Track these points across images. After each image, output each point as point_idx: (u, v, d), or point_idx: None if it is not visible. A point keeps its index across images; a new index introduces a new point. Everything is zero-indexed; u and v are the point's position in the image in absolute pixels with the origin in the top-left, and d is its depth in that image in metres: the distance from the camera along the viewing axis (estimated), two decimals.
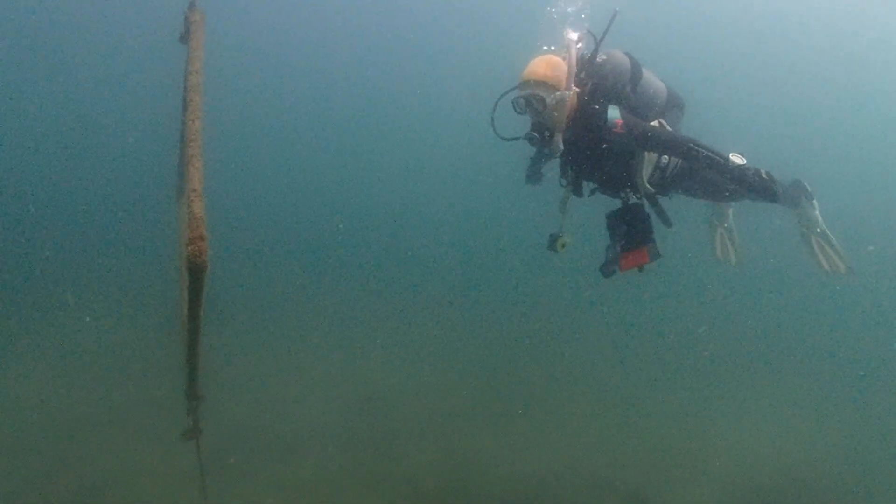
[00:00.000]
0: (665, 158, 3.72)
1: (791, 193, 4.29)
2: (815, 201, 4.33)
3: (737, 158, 3.29)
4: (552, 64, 3.44)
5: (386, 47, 24.75)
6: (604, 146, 3.48)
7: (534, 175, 4.32)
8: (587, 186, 3.96)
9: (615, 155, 3.58)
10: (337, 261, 15.81)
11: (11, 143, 21.46)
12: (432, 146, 24.35)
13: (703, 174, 3.78)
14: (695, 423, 8.15)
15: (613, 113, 3.37)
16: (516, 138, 3.62)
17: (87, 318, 8.98)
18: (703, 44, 22.09)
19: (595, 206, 4.05)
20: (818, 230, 4.34)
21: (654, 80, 3.77)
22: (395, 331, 10.32)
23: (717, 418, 8.39)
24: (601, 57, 3.55)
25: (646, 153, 3.65)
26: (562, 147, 3.49)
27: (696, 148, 3.31)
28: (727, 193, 3.92)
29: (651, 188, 3.72)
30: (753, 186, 3.27)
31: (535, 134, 3.48)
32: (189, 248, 1.73)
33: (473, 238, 19.42)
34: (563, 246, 3.95)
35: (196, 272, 1.77)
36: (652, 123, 3.60)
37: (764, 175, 3.28)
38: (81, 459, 5.88)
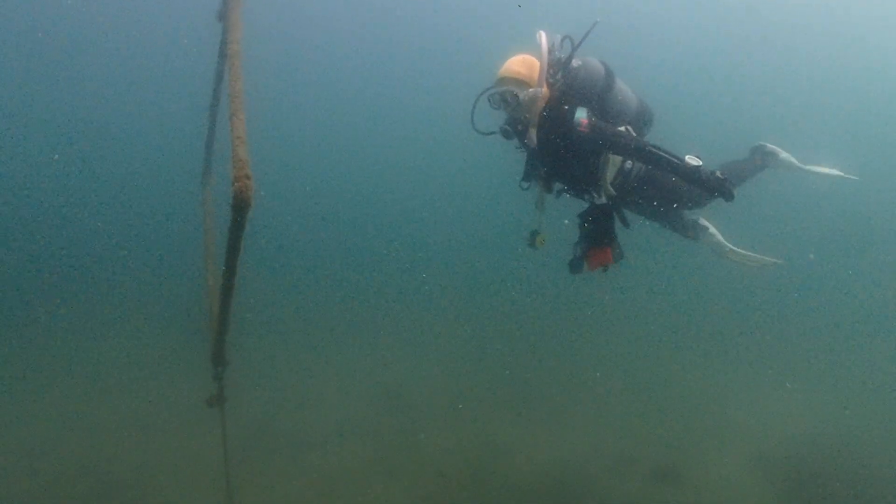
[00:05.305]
0: (629, 164, 3.93)
1: (757, 162, 4.55)
2: (781, 154, 4.55)
3: (692, 160, 3.49)
4: (526, 62, 3.70)
5: (376, 49, 25.15)
6: (569, 145, 3.68)
7: (529, 179, 4.50)
8: (556, 186, 4.16)
9: (580, 155, 3.77)
10: (353, 261, 16.14)
11: (58, 161, 21.52)
12: (443, 151, 24.68)
13: (664, 181, 4.00)
14: (718, 398, 8.33)
15: (580, 113, 3.58)
16: (492, 133, 3.85)
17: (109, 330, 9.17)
18: (685, 54, 22.86)
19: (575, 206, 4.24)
20: (799, 167, 4.60)
21: (626, 91, 3.98)
22: (412, 326, 10.53)
23: (740, 393, 8.60)
24: (577, 62, 3.79)
25: (610, 156, 3.85)
26: (535, 141, 3.69)
27: (653, 150, 3.51)
28: (686, 201, 4.12)
29: (613, 191, 3.92)
30: (708, 186, 3.45)
31: (507, 128, 3.74)
32: (236, 184, 1.90)
33: (485, 234, 19.76)
34: (542, 242, 4.17)
35: (241, 209, 1.94)
36: (619, 129, 3.79)
37: (719, 174, 3.46)
38: (103, 461, 5.97)
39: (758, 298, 13.08)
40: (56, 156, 21.58)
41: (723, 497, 6.10)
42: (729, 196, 3.47)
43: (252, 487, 5.60)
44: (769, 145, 4.59)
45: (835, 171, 4.62)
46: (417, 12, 23.73)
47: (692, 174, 3.43)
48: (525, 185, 4.16)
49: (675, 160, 3.47)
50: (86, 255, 14.52)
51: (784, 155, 4.58)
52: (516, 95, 3.61)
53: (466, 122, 3.72)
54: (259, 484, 5.70)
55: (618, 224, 4.02)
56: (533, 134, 3.68)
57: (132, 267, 13.47)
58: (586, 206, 4.03)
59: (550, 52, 3.68)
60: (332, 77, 26.17)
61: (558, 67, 3.74)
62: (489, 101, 3.75)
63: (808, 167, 4.65)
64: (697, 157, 3.50)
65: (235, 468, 4.48)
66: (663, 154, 3.48)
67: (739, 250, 4.45)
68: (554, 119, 3.66)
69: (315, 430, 6.82)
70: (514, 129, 3.73)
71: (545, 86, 3.63)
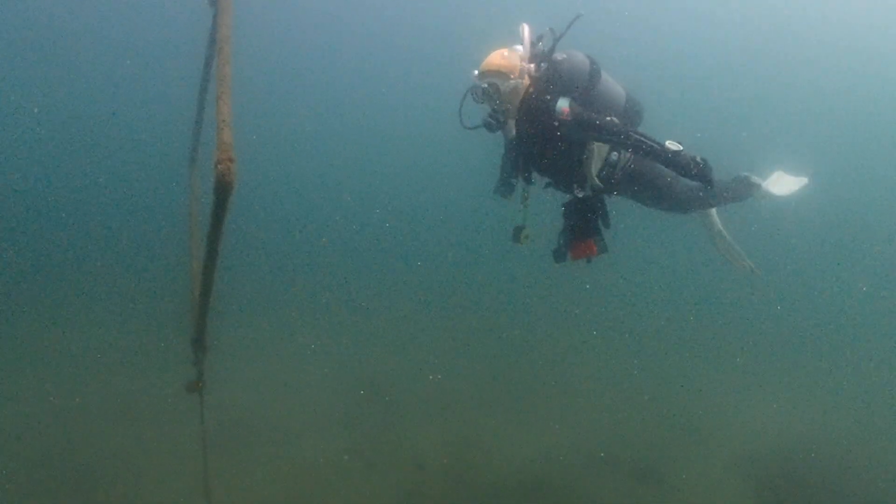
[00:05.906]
0: (615, 155, 3.98)
1: (736, 189, 4.51)
2: (763, 187, 4.52)
3: (672, 145, 3.53)
4: (506, 55, 3.79)
5: (366, 43, 25.24)
6: (552, 134, 3.71)
7: (504, 186, 4.47)
8: (540, 180, 4.18)
9: (564, 145, 3.81)
10: (338, 251, 16.18)
11: (31, 147, 21.26)
12: (431, 146, 24.75)
13: (651, 175, 4.04)
14: (701, 399, 8.44)
15: (563, 102, 3.64)
16: (477, 126, 3.92)
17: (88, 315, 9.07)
18: (677, 50, 23.07)
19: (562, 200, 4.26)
20: (772, 194, 4.55)
21: (612, 85, 4.02)
22: (395, 317, 10.57)
23: (722, 394, 8.75)
24: (561, 55, 3.84)
25: (595, 148, 3.90)
26: (513, 132, 3.75)
27: (633, 135, 3.55)
28: (673, 193, 4.15)
29: (599, 183, 3.94)
30: (687, 171, 3.50)
31: (491, 120, 3.79)
32: (219, 166, 1.91)
33: (471, 228, 19.84)
34: (527, 237, 4.21)
35: (224, 191, 1.95)
36: (603, 117, 3.80)
37: (699, 160, 3.51)
38: (80, 446, 5.94)
39: (742, 300, 13.26)
40: (36, 109, 21.24)
41: (704, 498, 6.18)
42: (708, 181, 3.51)
43: (230, 475, 5.60)
44: (753, 177, 4.58)
45: (784, 190, 4.50)
46: (407, 7, 23.76)
47: (672, 158, 3.49)
48: (514, 181, 4.20)
49: (656, 145, 3.52)
50: (66, 240, 14.40)
51: (765, 187, 4.59)
52: (498, 88, 3.67)
53: (452, 114, 3.76)
54: (237, 472, 5.70)
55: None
56: (512, 125, 3.73)
57: (112, 251, 13.41)
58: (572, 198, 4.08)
59: (533, 44, 3.74)
60: (319, 70, 26.13)
61: (541, 59, 3.78)
62: (472, 96, 3.81)
63: (776, 193, 4.55)
64: (677, 142, 3.56)
65: (214, 456, 4.48)
66: (643, 139, 3.53)
67: (728, 238, 4.47)
68: (536, 109, 3.70)
69: (295, 419, 6.83)
70: (497, 121, 3.76)
71: (526, 78, 3.67)
